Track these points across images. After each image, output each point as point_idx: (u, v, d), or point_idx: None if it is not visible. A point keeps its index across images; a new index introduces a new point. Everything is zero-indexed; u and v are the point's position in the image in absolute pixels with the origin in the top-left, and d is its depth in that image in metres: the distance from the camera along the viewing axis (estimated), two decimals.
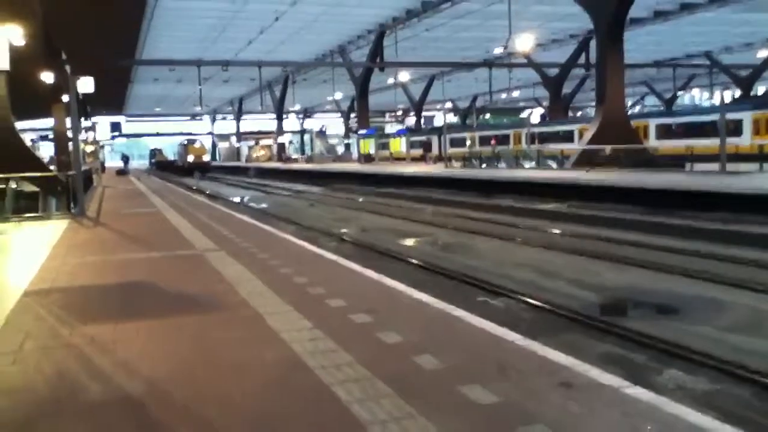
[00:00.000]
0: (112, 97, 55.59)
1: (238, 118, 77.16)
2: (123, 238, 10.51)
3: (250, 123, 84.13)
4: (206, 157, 57.10)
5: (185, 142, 60.28)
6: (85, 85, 17.93)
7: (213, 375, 3.84)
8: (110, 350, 4.35)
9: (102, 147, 56.34)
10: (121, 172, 43.78)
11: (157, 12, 31.65)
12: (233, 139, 77.97)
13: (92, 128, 42.65)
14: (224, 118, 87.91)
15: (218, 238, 9.93)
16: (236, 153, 74.20)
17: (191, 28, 36.75)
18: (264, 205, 22.30)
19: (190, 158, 55.08)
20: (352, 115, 60.68)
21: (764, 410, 4.37)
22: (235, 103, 74.76)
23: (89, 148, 40.47)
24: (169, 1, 30.08)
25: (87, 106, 37.90)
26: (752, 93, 44.88)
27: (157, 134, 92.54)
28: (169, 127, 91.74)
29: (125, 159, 54.61)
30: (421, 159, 43.46)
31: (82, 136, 33.51)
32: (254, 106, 63.81)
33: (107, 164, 59.49)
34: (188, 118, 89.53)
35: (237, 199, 25.85)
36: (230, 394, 3.52)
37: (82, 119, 34.24)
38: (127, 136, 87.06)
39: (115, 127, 59.50)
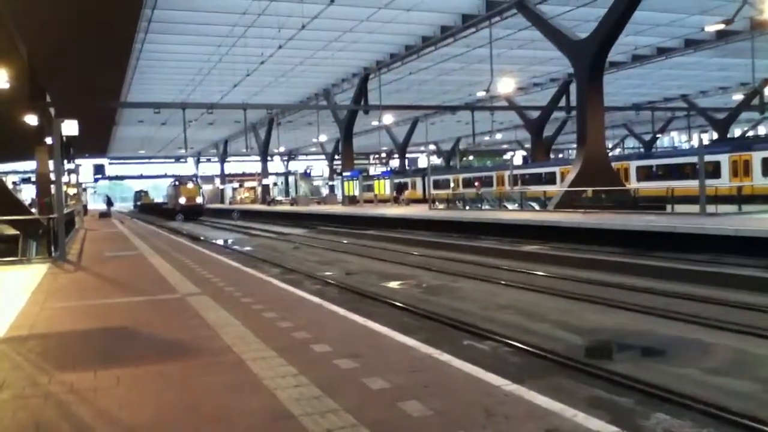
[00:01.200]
0: (95, 139, 55.58)
1: (222, 160, 77.30)
2: (104, 282, 10.39)
3: (235, 165, 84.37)
4: (200, 199, 52.26)
5: (176, 183, 55.13)
6: (69, 127, 17.97)
7: (196, 424, 3.77)
8: (90, 399, 4.26)
9: (85, 189, 55.88)
10: (104, 215, 43.46)
11: (143, 55, 31.90)
12: (217, 180, 77.95)
13: (75, 170, 42.44)
14: (208, 160, 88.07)
15: (201, 281, 9.85)
16: (220, 195, 74.09)
17: (177, 70, 37.07)
18: (248, 248, 22.20)
19: (182, 200, 50.24)
20: (337, 157, 61.06)
21: None
22: (219, 145, 74.98)
23: (72, 191, 40.19)
24: (154, 45, 30.36)
25: (70, 148, 37.77)
26: (728, 135, 45.80)
27: (141, 176, 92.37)
28: (153, 169, 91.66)
29: (108, 201, 53.69)
30: (394, 201, 43.71)
31: (65, 178, 33.32)
32: (239, 148, 64.10)
33: (90, 206, 59.08)
34: (172, 160, 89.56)
35: (220, 242, 25.71)
36: None
37: (65, 161, 34.11)
38: (110, 178, 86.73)
39: (99, 169, 59.22)
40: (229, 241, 25.77)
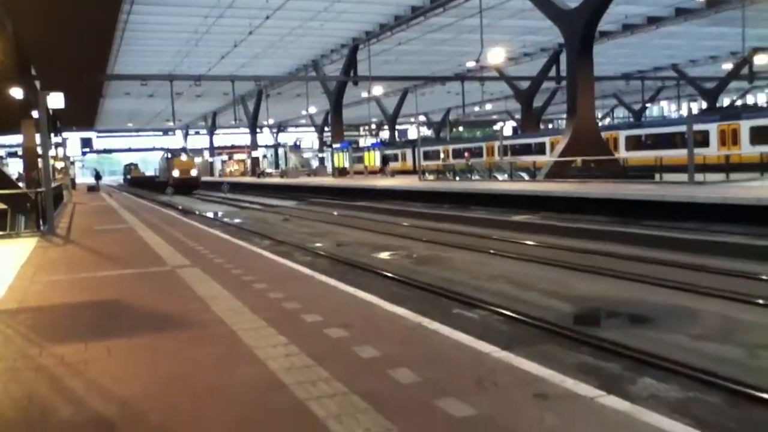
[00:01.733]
0: (82, 113, 54.98)
1: (211, 133, 76.80)
2: (94, 255, 10.36)
3: (224, 138, 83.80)
4: (194, 172, 47.92)
5: (168, 155, 51.04)
6: (55, 100, 17.70)
7: (187, 394, 3.79)
8: (82, 371, 4.27)
9: (72, 163, 55.35)
10: (93, 189, 43.21)
11: (129, 26, 31.48)
12: (206, 153, 77.50)
13: (62, 144, 42.06)
14: (197, 133, 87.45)
15: (191, 254, 9.84)
16: (210, 168, 73.71)
17: (164, 42, 36.62)
18: (238, 221, 22.16)
19: (176, 173, 46.16)
20: (326, 129, 60.74)
21: (734, 416, 4.44)
22: (208, 118, 74.39)
23: (59, 164, 39.86)
24: (141, 16, 29.93)
25: (57, 122, 37.41)
26: (718, 104, 45.85)
27: (129, 149, 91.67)
28: (142, 142, 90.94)
29: (97, 175, 53.18)
30: (380, 172, 43.71)
31: (52, 152, 33.03)
32: (228, 120, 63.60)
33: (78, 180, 58.63)
34: (161, 133, 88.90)
35: (210, 215, 25.64)
36: (205, 413, 3.48)
37: (52, 135, 33.78)
38: (98, 151, 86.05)
39: (86, 143, 58.67)
40: (219, 214, 25.70)
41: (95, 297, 6.82)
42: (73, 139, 53.16)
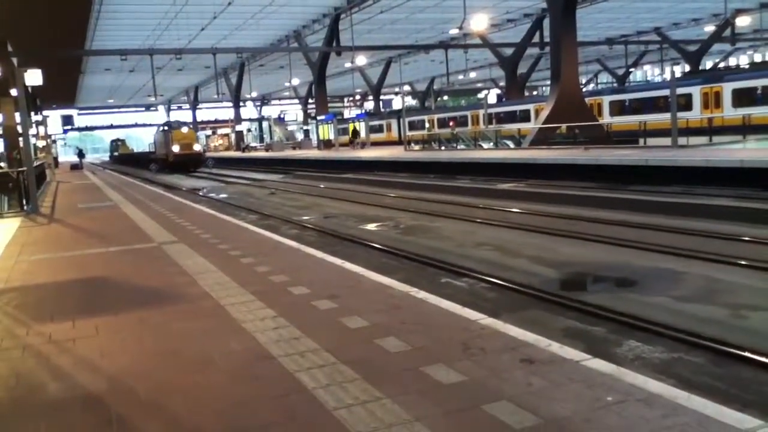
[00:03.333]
0: (62, 90, 54.17)
1: (193, 107, 75.90)
2: (79, 233, 10.29)
3: (207, 112, 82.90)
4: (198, 146, 42.10)
5: (166, 128, 44.06)
6: (34, 77, 17.43)
7: (176, 368, 3.81)
8: (69, 348, 4.27)
9: (54, 141, 54.60)
10: (76, 167, 42.73)
11: (106, 0, 30.86)
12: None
13: (43, 122, 41.46)
14: (180, 108, 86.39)
15: (177, 230, 9.80)
16: None
17: (142, 15, 35.92)
18: (224, 195, 22.05)
19: (176, 148, 39.74)
20: (311, 101, 60.20)
21: (717, 375, 4.52)
22: (190, 92, 73.49)
23: (41, 143, 39.31)
24: None
25: (37, 100, 36.78)
26: (700, 67, 45.88)
27: (111, 126, 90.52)
28: (124, 118, 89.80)
29: (80, 153, 52.52)
30: (349, 144, 43.51)
31: (33, 130, 32.56)
32: (210, 94, 62.88)
33: (61, 159, 57.98)
34: (143, 108, 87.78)
35: (196, 190, 25.49)
36: (195, 386, 3.49)
37: (32, 113, 33.27)
38: (80, 129, 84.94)
39: (67, 120, 57.76)
40: (205, 189, 25.56)
41: (81, 275, 6.79)
42: (54, 117, 52.40)
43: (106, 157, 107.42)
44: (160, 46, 40.02)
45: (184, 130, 42.22)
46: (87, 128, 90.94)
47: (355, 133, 46.38)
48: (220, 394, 3.36)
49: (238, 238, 8.60)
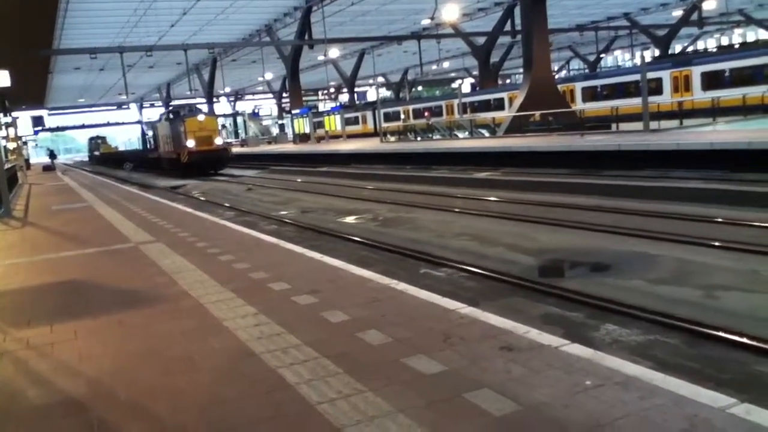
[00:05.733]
0: (32, 90, 53.32)
1: (166, 104, 74.98)
2: (54, 236, 10.17)
3: (159, 115, 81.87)
4: (219, 140, 31.55)
5: (172, 116, 33.41)
6: (1, 78, 17.12)
7: (158, 369, 3.80)
8: (48, 353, 4.24)
9: (25, 143, 53.71)
10: (48, 168, 42.14)
11: None
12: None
13: (13, 124, 40.78)
14: (152, 105, 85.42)
15: (154, 229, 9.73)
16: None
17: (111, 12, 35.47)
18: (200, 193, 21.90)
19: (191, 143, 29.62)
20: (285, 95, 59.88)
21: (692, 355, 4.61)
22: (162, 89, 72.73)
23: (11, 145, 38.66)
24: None
25: (5, 101, 36.15)
26: (670, 52, 46.42)
27: (83, 126, 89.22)
28: (95, 117, 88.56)
29: (51, 154, 51.77)
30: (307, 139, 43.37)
31: (3, 132, 32.02)
32: (183, 90, 62.24)
33: (32, 160, 57.09)
34: (114, 107, 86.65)
35: (171, 188, 25.26)
36: (178, 386, 3.49)
37: (1, 115, 32.71)
38: (51, 130, 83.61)
39: (38, 121, 56.61)
40: (180, 187, 25.34)
41: (58, 278, 6.72)
42: (24, 118, 51.45)
43: (78, 157, 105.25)
44: (130, 43, 39.57)
45: (201, 118, 31.51)
46: (58, 128, 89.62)
47: (317, 127, 45.94)
48: (203, 394, 3.36)
49: (217, 236, 8.56)
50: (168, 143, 32.37)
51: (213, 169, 30.60)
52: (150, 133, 39.87)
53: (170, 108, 35.19)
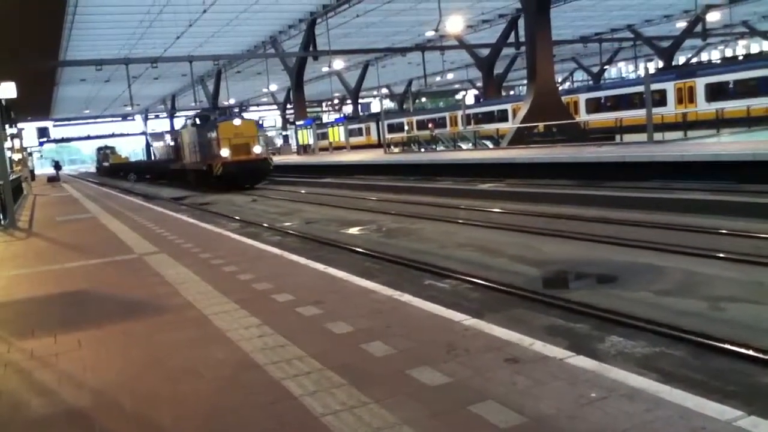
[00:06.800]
0: (37, 102, 53.46)
1: (171, 116, 75.37)
2: (58, 246, 10.19)
3: (185, 121, 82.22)
4: (258, 149, 26.80)
5: (200, 122, 28.92)
6: (7, 90, 17.21)
7: (161, 379, 3.79)
8: (52, 364, 4.24)
9: (30, 154, 53.90)
10: (53, 179, 42.28)
11: (79, 10, 30.61)
12: (168, 137, 75.95)
13: (18, 135, 40.97)
14: (157, 116, 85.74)
15: (158, 240, 9.75)
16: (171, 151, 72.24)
17: (117, 25, 35.73)
18: (204, 203, 21.93)
19: (226, 152, 25.35)
20: (289, 106, 60.05)
21: (698, 367, 4.58)
22: (167, 101, 73.02)
23: (17, 156, 38.81)
24: None
25: (11, 113, 36.34)
26: (673, 63, 46.49)
27: (88, 137, 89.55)
28: (100, 129, 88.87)
29: (56, 165, 51.93)
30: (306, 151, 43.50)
31: (8, 143, 32.16)
32: (188, 102, 62.44)
33: (37, 171, 57.31)
34: (119, 118, 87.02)
35: (175, 199, 25.31)
36: (181, 396, 3.48)
37: (7, 126, 32.88)
38: (56, 141, 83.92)
39: (43, 132, 56.81)
40: (184, 198, 25.39)
41: (62, 288, 6.73)
42: (29, 129, 51.70)
43: (83, 168, 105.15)
44: (135, 55, 39.75)
45: (237, 122, 27.04)
46: (63, 140, 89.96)
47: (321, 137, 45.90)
48: (207, 404, 3.35)
49: (221, 247, 8.57)
50: (195, 153, 28.30)
51: (252, 182, 26.41)
52: (164, 143, 37.79)
53: (198, 113, 30.06)
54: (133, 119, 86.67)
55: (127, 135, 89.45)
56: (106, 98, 64.29)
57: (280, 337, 4.32)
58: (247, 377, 3.67)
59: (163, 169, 34.59)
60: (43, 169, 72.39)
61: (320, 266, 6.69)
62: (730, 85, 25.49)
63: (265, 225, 14.27)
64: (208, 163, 26.15)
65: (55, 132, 77.97)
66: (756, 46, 58.95)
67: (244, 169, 25.52)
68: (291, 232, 12.96)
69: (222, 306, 5.31)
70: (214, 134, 26.17)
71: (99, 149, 72.51)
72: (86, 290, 6.54)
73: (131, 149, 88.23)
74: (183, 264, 7.40)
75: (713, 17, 39.70)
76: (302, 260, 7.16)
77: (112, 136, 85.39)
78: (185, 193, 26.99)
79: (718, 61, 35.45)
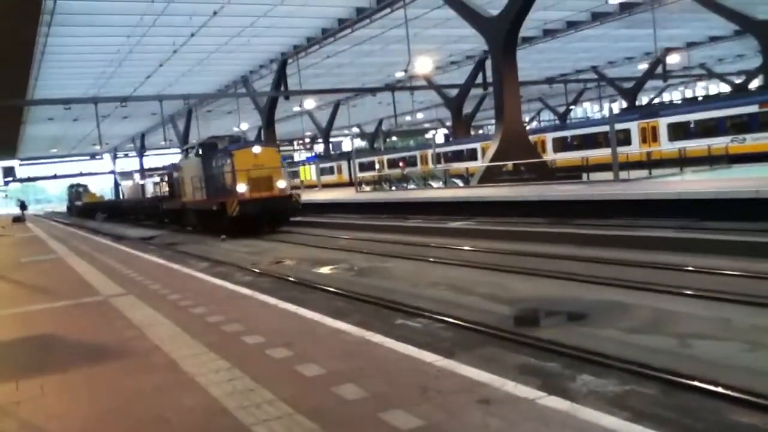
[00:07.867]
0: (3, 141, 52.80)
1: (140, 155, 74.92)
2: (22, 289, 9.96)
3: (154, 159, 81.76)
4: (282, 183, 21.87)
5: (202, 150, 23.54)
6: None
7: (128, 428, 3.70)
8: (12, 412, 4.11)
9: None
10: (18, 219, 41.50)
11: (48, 49, 30.53)
12: (137, 176, 75.36)
13: None
14: (126, 155, 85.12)
15: (125, 281, 9.59)
16: (141, 190, 71.66)
17: (86, 64, 35.66)
18: (173, 243, 21.66)
19: (242, 188, 20.65)
20: None
21: (668, 405, 4.61)
22: (136, 140, 72.60)
23: None
24: (59, 38, 29.06)
25: None
26: (637, 103, 47.77)
27: (55, 176, 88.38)
28: (67, 168, 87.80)
29: (22, 205, 50.98)
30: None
31: None
32: (157, 141, 62.11)
33: (2, 211, 56.21)
34: (87, 157, 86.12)
35: (144, 239, 24.98)
36: None
37: None
38: (22, 180, 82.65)
39: (8, 172, 55.93)
40: (153, 238, 25.07)
41: (26, 332, 6.56)
42: None
43: (50, 207, 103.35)
44: (104, 94, 39.62)
45: (257, 150, 21.64)
46: (30, 179, 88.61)
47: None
48: None
49: (189, 288, 8.45)
50: (199, 189, 22.83)
51: (274, 225, 21.70)
52: (133, 182, 33.47)
53: (204, 140, 24.78)
54: (102, 158, 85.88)
55: (95, 174, 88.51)
56: (75, 137, 63.75)
57: (250, 381, 4.26)
58: (216, 423, 3.60)
59: (149, 209, 30.95)
60: (8, 208, 70.96)
61: (291, 307, 6.64)
62: (691, 125, 26.24)
63: (236, 264, 14.14)
64: (220, 201, 21.02)
65: (22, 171, 76.88)
66: (714, 87, 60.91)
67: (266, 209, 20.79)
68: (262, 271, 12.86)
69: (191, 349, 5.22)
70: (227, 165, 21.24)
71: (71, 187, 70.28)
72: (51, 334, 6.38)
73: (99, 188, 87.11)
74: (150, 306, 7.28)
75: (673, 59, 41.04)
76: (273, 301, 7.09)
77: (80, 175, 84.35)
78: (154, 233, 26.65)
79: (680, 102, 36.53)
